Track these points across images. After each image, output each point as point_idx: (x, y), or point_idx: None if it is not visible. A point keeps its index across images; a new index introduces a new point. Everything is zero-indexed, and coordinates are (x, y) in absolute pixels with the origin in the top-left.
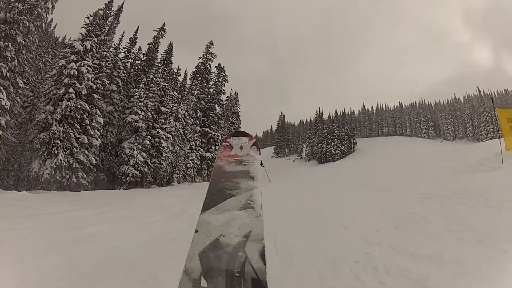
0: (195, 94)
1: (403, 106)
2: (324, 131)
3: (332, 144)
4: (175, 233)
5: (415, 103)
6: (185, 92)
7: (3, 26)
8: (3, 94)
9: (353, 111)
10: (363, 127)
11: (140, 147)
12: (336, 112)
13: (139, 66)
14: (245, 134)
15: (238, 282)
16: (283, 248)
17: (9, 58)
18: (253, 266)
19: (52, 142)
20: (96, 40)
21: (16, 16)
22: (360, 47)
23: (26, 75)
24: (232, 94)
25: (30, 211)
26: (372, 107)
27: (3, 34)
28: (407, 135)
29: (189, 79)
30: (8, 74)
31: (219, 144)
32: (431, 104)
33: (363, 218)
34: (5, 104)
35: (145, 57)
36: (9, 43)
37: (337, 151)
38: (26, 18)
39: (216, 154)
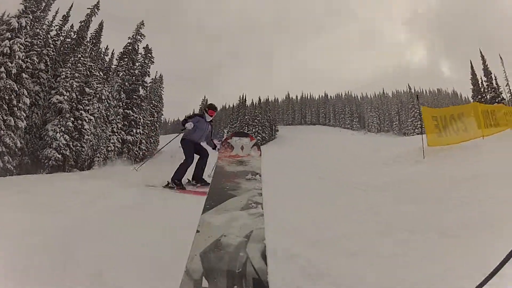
0: (120, 75)
1: (329, 97)
2: (246, 117)
3: (253, 130)
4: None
5: (341, 94)
6: (110, 73)
7: None
8: None
9: (277, 98)
10: (286, 115)
11: (63, 129)
12: (259, 99)
13: (69, 45)
14: (246, 135)
15: (239, 282)
16: None
17: None
18: (254, 266)
19: None
20: (31, 17)
21: None
22: (298, 40)
23: None
24: (157, 77)
25: None
26: (296, 96)
27: None
28: (330, 125)
29: (116, 59)
30: None
31: (140, 127)
32: (357, 96)
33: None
34: None
35: (75, 35)
36: None
37: (258, 137)
38: None
39: (137, 137)
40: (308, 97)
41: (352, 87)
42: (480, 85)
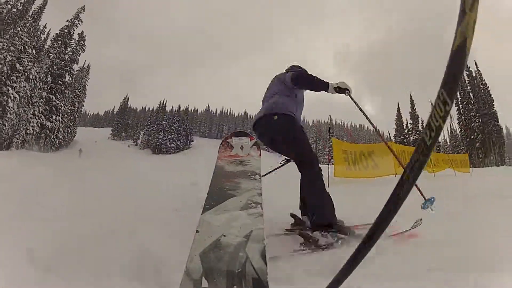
0: (51, 57)
1: (248, 116)
2: (164, 122)
3: (169, 137)
4: None
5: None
6: (42, 53)
7: None
8: None
9: (197, 109)
10: (204, 127)
11: None
12: (179, 107)
13: (13, 14)
14: (245, 135)
15: (239, 282)
16: None
17: None
18: (254, 266)
19: None
20: None
21: None
22: (229, 55)
23: None
24: (85, 66)
25: None
26: (216, 110)
27: None
28: None
29: (50, 40)
30: None
31: (60, 114)
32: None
33: None
34: None
35: (21, 7)
36: None
37: (173, 144)
38: None
39: (56, 125)
40: (228, 112)
41: None
42: (405, 127)
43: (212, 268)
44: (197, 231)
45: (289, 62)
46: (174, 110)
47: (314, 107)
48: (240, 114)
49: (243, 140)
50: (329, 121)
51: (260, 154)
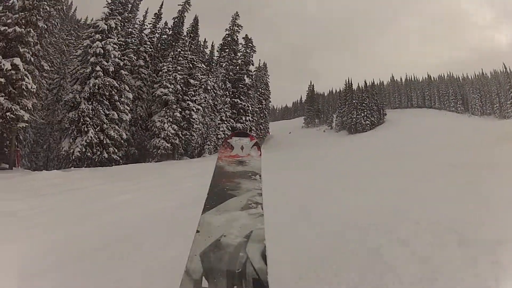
0: (223, 66)
1: (432, 78)
2: (354, 101)
3: (362, 114)
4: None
5: (443, 75)
6: (213, 64)
7: (22, 13)
8: (28, 78)
9: (382, 82)
10: (392, 98)
11: (171, 120)
12: (365, 82)
13: (166, 41)
14: (246, 135)
15: (239, 282)
16: None
17: (32, 43)
18: (254, 266)
19: (82, 120)
20: (120, 18)
21: (35, 2)
22: (384, 24)
23: (51, 58)
24: (260, 65)
25: (62, 187)
26: (401, 78)
27: (23, 21)
28: (436, 108)
29: (217, 51)
30: (32, 59)
31: (249, 114)
32: (459, 77)
33: None
34: (31, 88)
35: (171, 31)
36: (31, 29)
37: (367, 121)
38: (46, 3)
39: (246, 125)
40: (412, 79)
41: (453, 68)
42: None
43: (212, 268)
44: (197, 231)
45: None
46: (360, 87)
47: (487, 58)
48: (424, 78)
49: (243, 140)
50: (503, 68)
51: (260, 154)
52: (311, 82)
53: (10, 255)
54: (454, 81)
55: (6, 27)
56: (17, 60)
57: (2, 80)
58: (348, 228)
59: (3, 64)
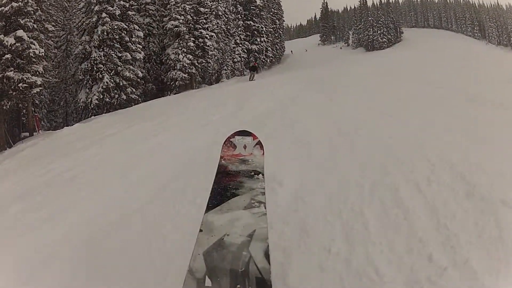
0: None
1: (447, 0)
2: (370, 18)
3: (379, 32)
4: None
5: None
6: None
7: None
8: (35, 44)
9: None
10: (408, 17)
11: (185, 50)
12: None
13: None
14: (248, 134)
15: (242, 281)
16: None
17: (32, 12)
18: (257, 265)
19: (95, 68)
20: None
21: None
22: None
23: (54, 18)
24: None
25: (88, 140)
26: None
27: None
28: (453, 30)
29: None
30: (35, 25)
31: (263, 35)
32: (474, 3)
33: None
34: (39, 52)
35: None
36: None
37: (384, 39)
38: None
39: (262, 46)
40: None
41: None
42: None
43: (215, 267)
44: (201, 230)
45: None
46: (375, 4)
47: None
48: None
49: (246, 139)
50: None
51: (263, 153)
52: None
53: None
54: (470, 6)
55: (2, 7)
56: (20, 32)
57: (9, 56)
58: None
59: (6, 41)
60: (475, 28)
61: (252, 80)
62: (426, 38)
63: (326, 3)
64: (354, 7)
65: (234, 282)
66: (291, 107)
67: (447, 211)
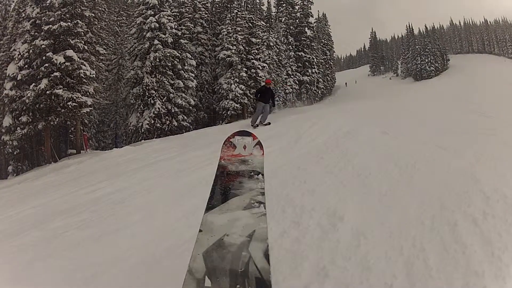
0: (283, 21)
1: (488, 23)
2: (417, 47)
3: (426, 60)
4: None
5: (499, 20)
6: (272, 20)
7: (64, 9)
8: (86, 66)
9: (442, 25)
10: (454, 43)
11: (237, 80)
12: (426, 27)
13: (220, 4)
14: (248, 134)
15: (242, 281)
16: None
17: (82, 33)
18: (257, 265)
19: (147, 94)
20: None
21: None
22: None
23: (105, 42)
24: (320, 16)
25: (138, 163)
26: (459, 22)
27: (67, 15)
28: (496, 53)
29: (274, 7)
30: (86, 47)
31: (315, 66)
32: None
33: None
34: (90, 74)
35: None
36: (78, 20)
37: (432, 68)
38: None
39: (313, 77)
40: (470, 23)
41: (508, 13)
42: None
43: (215, 268)
44: (200, 231)
45: None
46: (421, 32)
47: None
48: (481, 22)
49: (246, 139)
50: None
51: (263, 154)
52: (372, 29)
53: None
54: (509, 27)
55: (50, 25)
56: (69, 52)
57: (58, 74)
58: None
59: (56, 59)
60: None
61: (258, 125)
62: (471, 64)
63: (375, 32)
64: (401, 35)
65: (233, 282)
66: (347, 141)
67: (501, 243)
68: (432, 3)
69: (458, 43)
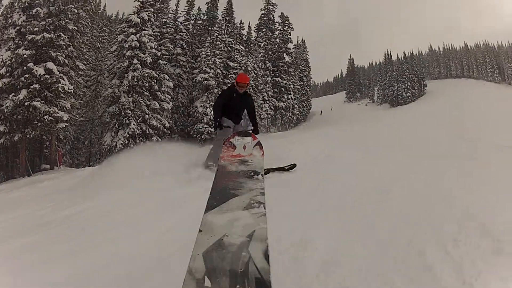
0: (262, 46)
1: (469, 47)
2: (394, 73)
3: (403, 86)
4: None
5: (480, 44)
6: (251, 45)
7: (49, 19)
8: (64, 80)
9: (421, 51)
10: (432, 69)
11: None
12: (404, 53)
13: (201, 26)
14: (248, 134)
15: (241, 281)
16: None
17: (64, 46)
18: (256, 265)
19: (123, 113)
20: (152, 10)
21: (62, 7)
22: None
23: (85, 57)
24: (299, 42)
25: (114, 182)
26: (438, 48)
27: (51, 26)
28: (474, 77)
29: (254, 31)
30: (66, 61)
31: (291, 92)
32: (494, 46)
33: None
34: (68, 89)
35: (206, 16)
36: (61, 33)
37: (408, 93)
38: (73, 6)
39: (289, 103)
40: (450, 48)
41: (489, 36)
42: None
43: (215, 268)
44: (200, 231)
45: None
46: (400, 58)
47: None
48: (461, 47)
49: (245, 140)
50: None
51: (263, 154)
52: (350, 56)
53: None
54: (490, 50)
55: (34, 35)
56: (50, 65)
57: (37, 86)
58: None
59: (36, 71)
60: (495, 72)
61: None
62: (448, 89)
63: (353, 59)
64: (379, 62)
65: (233, 282)
66: (327, 164)
67: (474, 271)
68: (413, 28)
69: (436, 68)
